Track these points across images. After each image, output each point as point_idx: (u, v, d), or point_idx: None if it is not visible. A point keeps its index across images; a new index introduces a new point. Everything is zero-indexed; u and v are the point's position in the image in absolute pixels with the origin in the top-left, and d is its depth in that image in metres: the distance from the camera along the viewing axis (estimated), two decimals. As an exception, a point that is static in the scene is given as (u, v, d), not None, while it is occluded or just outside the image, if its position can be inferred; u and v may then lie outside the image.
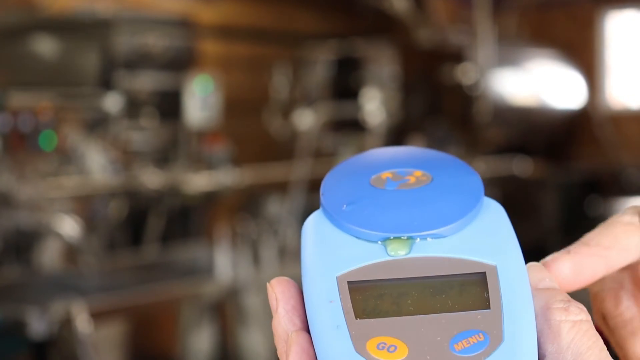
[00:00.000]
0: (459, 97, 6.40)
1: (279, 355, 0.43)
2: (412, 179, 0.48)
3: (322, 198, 0.47)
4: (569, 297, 0.43)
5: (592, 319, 0.55)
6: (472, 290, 0.43)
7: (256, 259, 4.89)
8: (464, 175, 0.48)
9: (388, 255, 0.44)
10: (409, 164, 0.49)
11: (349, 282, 0.43)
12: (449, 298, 0.42)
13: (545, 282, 0.44)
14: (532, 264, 0.45)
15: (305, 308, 0.43)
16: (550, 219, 6.28)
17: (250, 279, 4.73)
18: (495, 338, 0.41)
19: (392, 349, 0.41)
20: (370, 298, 0.42)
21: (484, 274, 0.43)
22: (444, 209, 0.45)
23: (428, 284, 0.43)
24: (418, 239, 0.44)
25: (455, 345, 0.41)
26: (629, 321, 0.53)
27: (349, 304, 0.42)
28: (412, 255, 0.44)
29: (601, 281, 0.54)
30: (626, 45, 7.11)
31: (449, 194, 0.47)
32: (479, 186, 0.47)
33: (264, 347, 4.66)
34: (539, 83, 6.85)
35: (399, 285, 0.43)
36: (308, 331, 0.42)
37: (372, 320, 0.42)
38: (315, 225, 0.46)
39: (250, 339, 4.76)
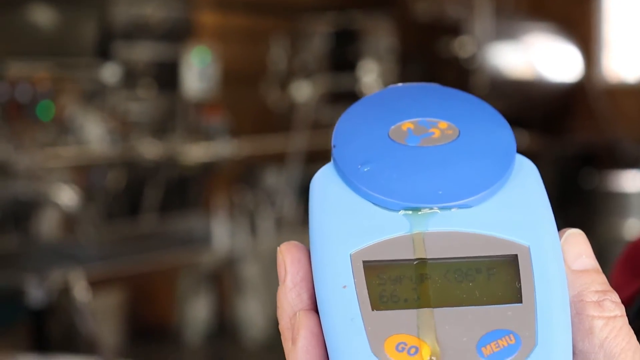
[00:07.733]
0: (456, 70, 6.41)
1: (281, 330, 0.39)
2: (436, 133, 0.42)
3: (333, 151, 0.41)
4: (605, 283, 0.40)
5: None
6: (502, 277, 0.38)
7: (253, 229, 4.92)
8: (495, 128, 0.43)
9: (409, 228, 0.39)
10: (432, 112, 0.43)
11: (364, 262, 0.38)
12: (476, 286, 0.38)
13: (581, 259, 0.40)
14: (569, 234, 0.41)
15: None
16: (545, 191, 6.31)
17: (248, 249, 4.77)
18: (527, 341, 0.37)
19: (412, 350, 0.36)
20: (388, 282, 0.38)
21: (515, 257, 0.38)
22: (474, 174, 0.40)
23: (453, 266, 0.38)
24: (444, 210, 0.39)
25: (483, 349, 0.36)
26: None
27: (365, 291, 0.37)
28: (436, 229, 0.39)
29: None
30: (623, 19, 7.11)
31: (479, 153, 0.41)
32: (511, 141, 0.43)
33: (261, 316, 4.70)
34: (536, 56, 6.86)
35: (420, 267, 0.38)
36: (316, 309, 0.38)
37: (391, 312, 0.37)
38: (325, 184, 0.41)
39: (247, 308, 4.80)
